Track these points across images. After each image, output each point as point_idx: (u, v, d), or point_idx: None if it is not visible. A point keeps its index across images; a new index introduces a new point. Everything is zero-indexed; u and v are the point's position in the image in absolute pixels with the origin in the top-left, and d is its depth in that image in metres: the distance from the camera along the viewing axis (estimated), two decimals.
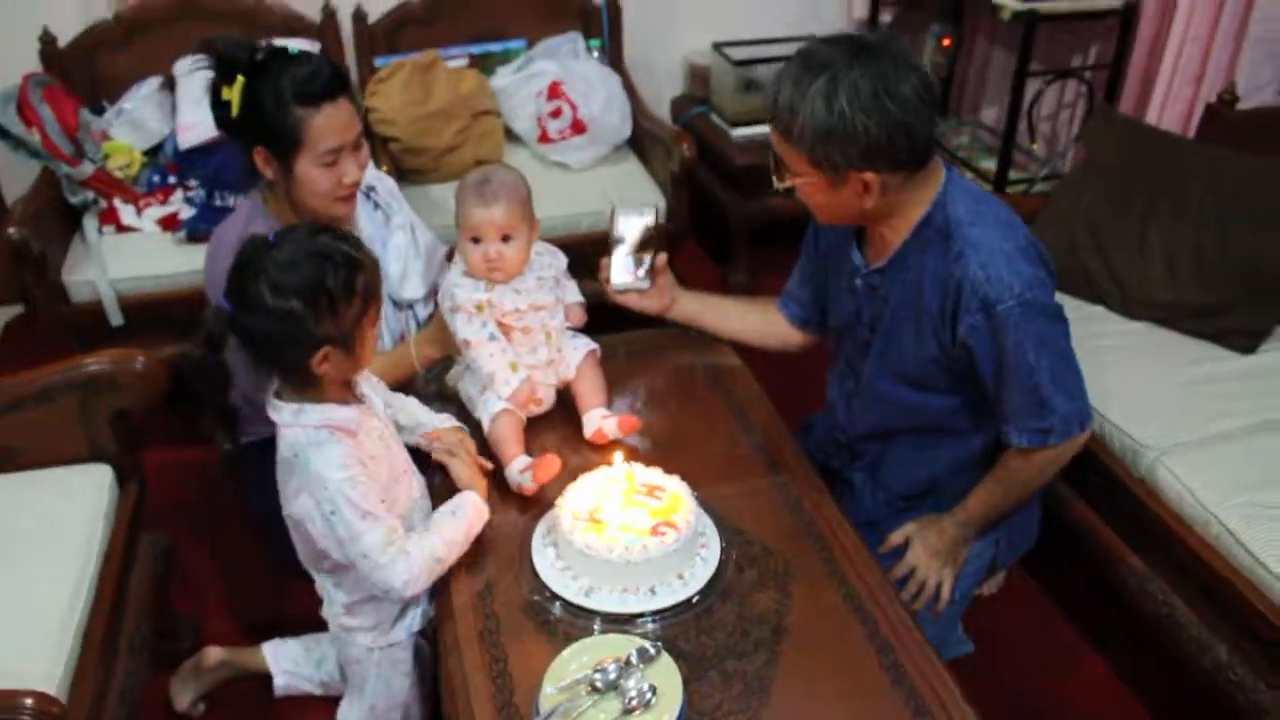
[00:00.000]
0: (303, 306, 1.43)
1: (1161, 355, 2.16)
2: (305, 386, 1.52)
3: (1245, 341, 2.15)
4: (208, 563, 2.32)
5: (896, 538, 1.85)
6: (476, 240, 1.77)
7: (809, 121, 1.54)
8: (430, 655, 1.80)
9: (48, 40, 2.71)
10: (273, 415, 1.53)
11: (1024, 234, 1.65)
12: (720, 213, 3.20)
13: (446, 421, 1.77)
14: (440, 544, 1.55)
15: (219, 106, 1.83)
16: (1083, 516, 2.05)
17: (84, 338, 2.38)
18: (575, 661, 1.39)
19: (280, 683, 1.98)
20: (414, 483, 1.68)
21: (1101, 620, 2.19)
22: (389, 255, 2.05)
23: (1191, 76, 2.67)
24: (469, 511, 1.59)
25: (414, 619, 1.72)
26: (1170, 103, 2.71)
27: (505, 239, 1.77)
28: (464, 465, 1.67)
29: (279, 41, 2.68)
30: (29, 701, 1.21)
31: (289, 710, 1.97)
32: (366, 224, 2.04)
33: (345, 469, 1.49)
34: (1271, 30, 2.51)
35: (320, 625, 1.97)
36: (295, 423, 1.51)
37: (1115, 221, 2.30)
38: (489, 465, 1.74)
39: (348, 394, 1.58)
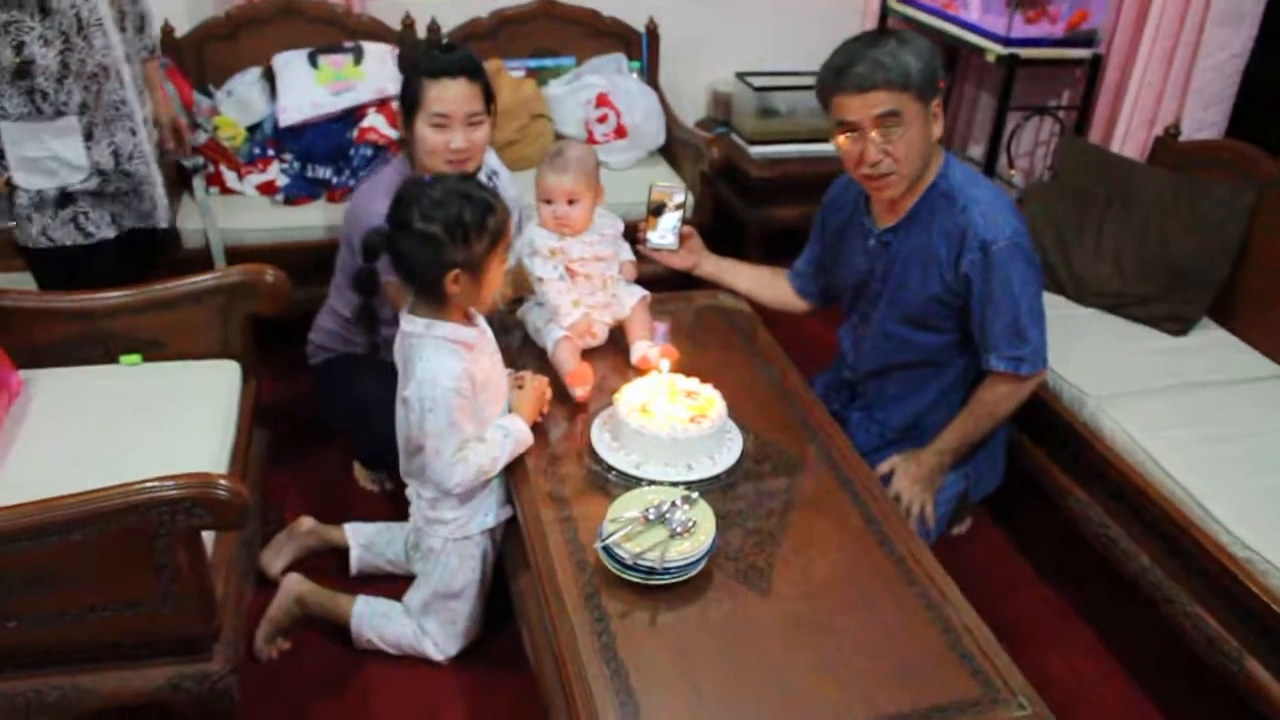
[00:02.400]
0: (442, 232, 1.81)
1: (1107, 332, 2.58)
2: (437, 306, 1.89)
3: (1177, 326, 2.56)
4: (290, 469, 2.69)
5: (884, 467, 2.24)
6: (548, 201, 2.18)
7: (907, 61, 1.97)
8: (494, 558, 2.15)
9: (167, 31, 3.12)
10: (406, 326, 1.91)
11: (1010, 199, 2.11)
12: (737, 222, 3.62)
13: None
14: (488, 460, 1.92)
15: None
16: (1037, 459, 2.45)
17: None
18: (632, 503, 1.76)
19: (355, 555, 2.31)
20: (504, 404, 2.03)
21: (1051, 551, 2.56)
22: None
23: (1146, 119, 3.11)
24: (517, 436, 1.95)
25: (489, 516, 2.06)
26: (1129, 140, 3.15)
27: (570, 202, 2.17)
28: (524, 396, 2.03)
29: (365, 44, 3.15)
30: (223, 482, 1.58)
31: (362, 587, 2.27)
32: None
33: (455, 380, 1.87)
34: (1210, 82, 2.97)
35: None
36: (426, 334, 1.89)
37: (1076, 226, 2.73)
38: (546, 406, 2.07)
39: (469, 321, 1.96)
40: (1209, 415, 2.25)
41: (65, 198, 2.27)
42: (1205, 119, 3.04)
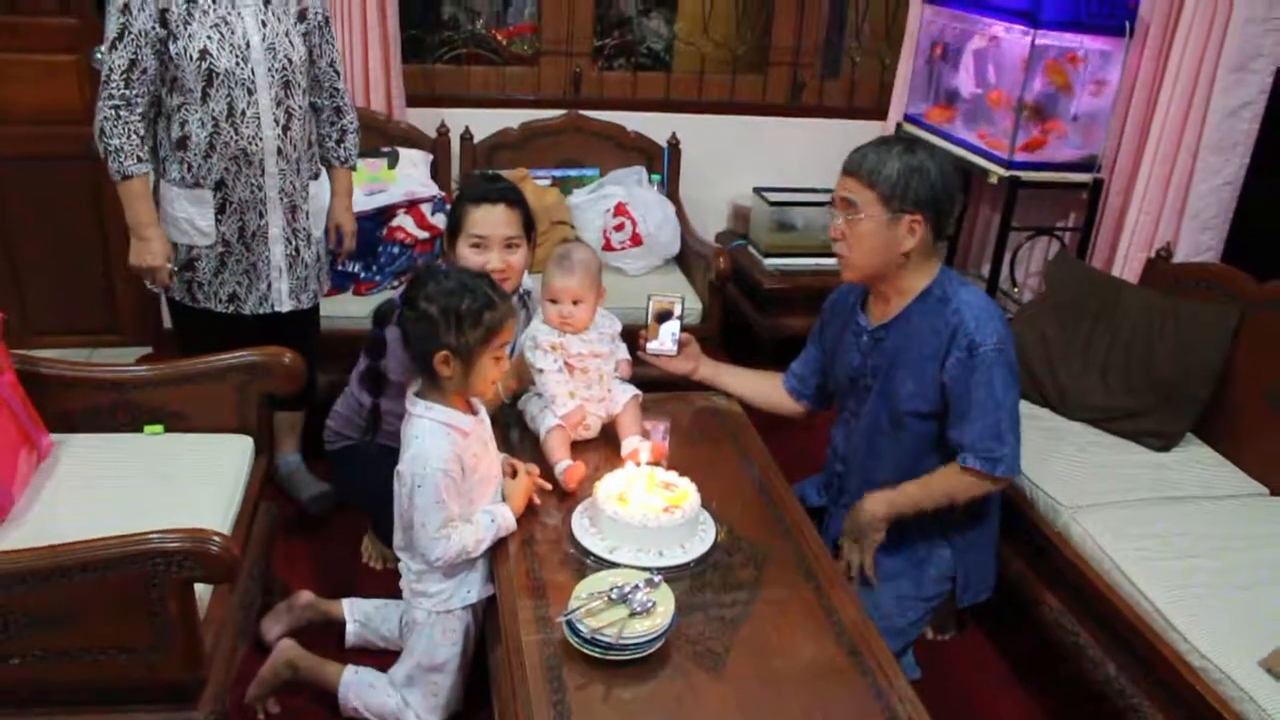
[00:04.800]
0: (439, 314, 1.98)
1: (1089, 445, 2.65)
2: (437, 389, 2.05)
3: (1160, 442, 2.63)
4: (298, 543, 2.84)
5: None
6: (554, 301, 2.33)
7: (893, 166, 2.14)
8: (476, 636, 2.24)
9: None
10: (409, 405, 2.06)
11: (998, 308, 2.23)
12: (749, 329, 3.76)
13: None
14: (471, 541, 2.04)
15: None
16: (1014, 565, 2.51)
17: None
18: (599, 583, 1.86)
19: (351, 629, 2.41)
20: (497, 489, 2.16)
21: (1027, 656, 2.61)
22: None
23: (1145, 242, 3.22)
24: (501, 523, 2.07)
25: (471, 592, 2.16)
26: (1130, 262, 3.26)
27: (575, 302, 2.33)
28: (517, 486, 2.15)
29: (401, 149, 3.37)
30: (216, 538, 1.71)
31: (356, 659, 2.36)
32: None
33: (445, 461, 2.00)
34: (1205, 207, 3.09)
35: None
36: (425, 415, 2.04)
37: (1063, 342, 2.83)
38: (548, 486, 2.21)
39: (469, 409, 2.11)
40: (1183, 528, 2.30)
41: (189, 264, 2.64)
42: (1202, 243, 3.15)
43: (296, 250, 2.72)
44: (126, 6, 2.41)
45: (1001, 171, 3.33)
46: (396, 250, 3.22)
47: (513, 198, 2.52)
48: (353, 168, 2.89)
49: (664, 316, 2.50)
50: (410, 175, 3.37)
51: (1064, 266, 3.06)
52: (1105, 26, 3.26)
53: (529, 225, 2.56)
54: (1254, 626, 1.99)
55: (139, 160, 2.50)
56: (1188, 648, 2.00)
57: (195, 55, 2.44)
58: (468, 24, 4.03)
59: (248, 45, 2.49)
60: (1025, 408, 2.76)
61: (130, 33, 2.41)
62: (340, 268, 3.18)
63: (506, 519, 2.08)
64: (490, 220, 2.47)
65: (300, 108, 2.62)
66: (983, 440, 2.16)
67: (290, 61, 2.57)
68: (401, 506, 2.08)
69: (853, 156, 2.20)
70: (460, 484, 2.04)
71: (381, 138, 3.48)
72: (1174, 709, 2.03)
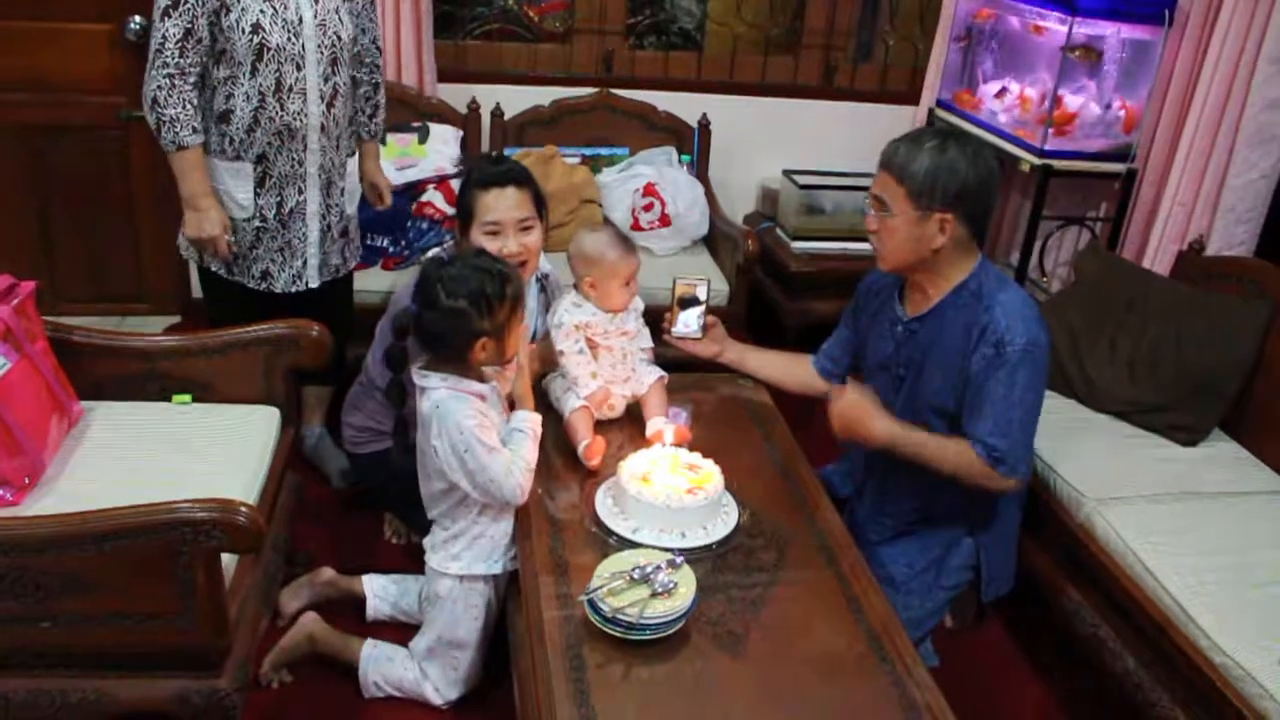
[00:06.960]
0: (469, 305, 1.99)
1: (1115, 438, 2.64)
2: (457, 367, 2.06)
3: (1186, 436, 2.62)
4: (321, 515, 2.87)
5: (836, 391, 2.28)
6: (626, 284, 2.33)
7: (922, 163, 2.10)
8: (498, 612, 2.27)
9: None
10: (419, 381, 2.07)
11: (1038, 310, 2.18)
12: (775, 311, 3.75)
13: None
14: (527, 458, 2.07)
15: None
16: (1035, 557, 2.51)
17: None
18: (621, 563, 1.87)
19: (371, 603, 2.45)
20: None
21: (1047, 649, 2.61)
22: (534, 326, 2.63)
23: (1177, 234, 3.20)
24: (530, 427, 2.11)
25: (494, 561, 2.18)
26: (1161, 254, 3.23)
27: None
28: (518, 384, 2.17)
29: (432, 124, 3.37)
30: (243, 509, 1.74)
31: (375, 632, 2.39)
32: (531, 303, 2.59)
33: (473, 418, 2.02)
34: (1240, 200, 3.06)
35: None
36: (442, 386, 2.05)
37: (1091, 333, 2.81)
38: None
39: (480, 377, 2.12)
40: (1206, 525, 2.30)
41: None
42: (1235, 236, 3.12)
43: (328, 226, 2.72)
44: None
45: (1034, 160, 3.30)
46: (425, 225, 3.23)
47: (522, 178, 2.49)
48: (383, 142, 2.89)
49: (688, 300, 2.48)
50: (440, 151, 3.38)
51: (1094, 257, 3.04)
52: (1144, 15, 3.22)
53: (540, 203, 2.52)
54: (1276, 624, 1.99)
55: (194, 131, 2.47)
56: (1209, 644, 1.99)
57: (248, 29, 2.43)
58: (500, 0, 4.03)
59: (300, 21, 2.48)
60: (1051, 399, 2.75)
61: (186, 1, 2.40)
62: (369, 242, 3.19)
63: (533, 421, 2.12)
64: (502, 204, 2.44)
65: (344, 84, 2.62)
66: (991, 435, 2.12)
67: (339, 38, 2.56)
68: (469, 475, 2.04)
69: (886, 149, 2.17)
70: (488, 417, 2.06)
71: (412, 113, 3.49)
72: (1194, 704, 2.03)
